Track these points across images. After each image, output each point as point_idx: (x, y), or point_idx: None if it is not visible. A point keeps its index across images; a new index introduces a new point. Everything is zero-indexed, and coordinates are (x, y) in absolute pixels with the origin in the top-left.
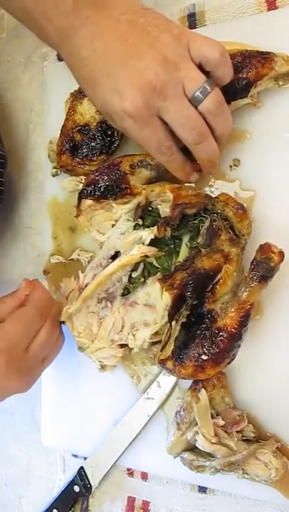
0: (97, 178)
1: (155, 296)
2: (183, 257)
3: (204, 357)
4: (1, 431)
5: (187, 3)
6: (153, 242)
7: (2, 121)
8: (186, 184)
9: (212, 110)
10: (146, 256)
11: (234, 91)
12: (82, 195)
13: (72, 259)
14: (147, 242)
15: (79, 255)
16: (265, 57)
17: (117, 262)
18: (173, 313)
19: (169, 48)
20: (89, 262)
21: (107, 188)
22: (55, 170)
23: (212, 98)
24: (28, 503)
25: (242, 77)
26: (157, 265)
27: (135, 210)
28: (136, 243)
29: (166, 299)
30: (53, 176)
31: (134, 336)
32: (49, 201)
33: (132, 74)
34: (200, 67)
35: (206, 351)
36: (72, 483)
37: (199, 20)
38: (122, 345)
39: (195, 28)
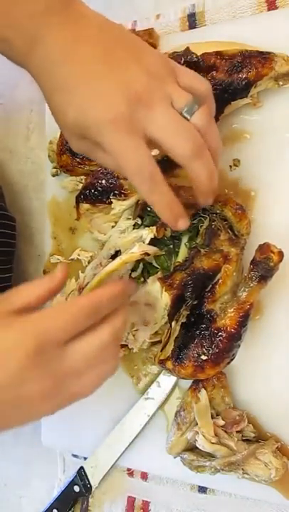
0: (92, 182)
1: (155, 295)
2: (182, 257)
3: (204, 357)
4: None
5: (187, 3)
6: (152, 242)
7: (2, 121)
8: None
9: (204, 125)
10: (147, 254)
11: (234, 91)
12: (79, 199)
13: (72, 259)
14: (147, 241)
15: (79, 255)
16: (265, 57)
17: (117, 260)
18: (173, 313)
19: (155, 66)
20: (89, 262)
21: (102, 193)
22: (55, 170)
23: (203, 112)
24: (28, 503)
25: (242, 77)
26: (156, 265)
27: (134, 208)
28: (136, 241)
29: (165, 298)
30: (53, 176)
31: (134, 336)
32: (49, 201)
33: (116, 82)
34: None
35: (205, 351)
36: (72, 483)
37: (199, 21)
38: (122, 346)
39: (195, 28)
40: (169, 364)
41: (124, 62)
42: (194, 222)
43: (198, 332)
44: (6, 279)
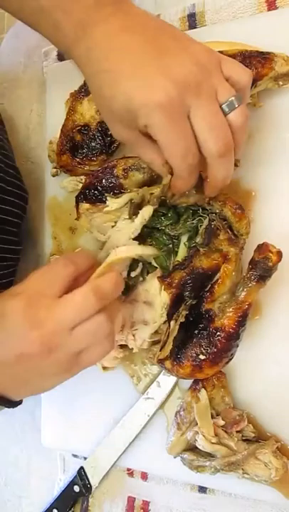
0: (92, 182)
1: (153, 293)
2: (181, 257)
3: (202, 357)
4: (1, 431)
5: (187, 3)
6: (151, 240)
7: (2, 121)
8: None
9: (239, 123)
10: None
11: None
12: (78, 199)
13: None
14: (139, 229)
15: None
16: (265, 57)
17: (104, 263)
18: (172, 312)
19: (203, 56)
20: None
21: (102, 193)
22: (55, 170)
23: (242, 111)
24: (28, 503)
25: None
26: (156, 265)
27: (129, 206)
28: (132, 234)
29: (164, 296)
30: (53, 176)
31: (133, 336)
32: (49, 201)
33: (165, 67)
34: None
35: (203, 351)
36: (72, 483)
37: (199, 21)
38: (122, 346)
39: (195, 28)
40: (168, 364)
41: (172, 49)
42: (194, 221)
43: (196, 332)
44: (15, 250)
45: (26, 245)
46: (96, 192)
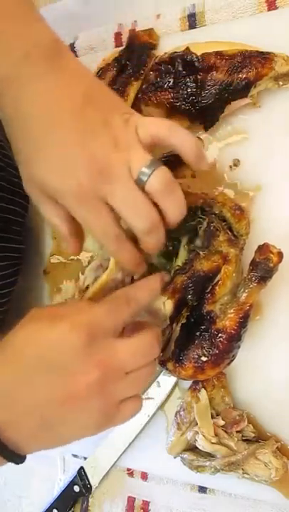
0: None
1: (157, 304)
2: (182, 260)
3: (204, 358)
4: None
5: (187, 3)
6: None
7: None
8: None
9: (159, 188)
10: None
11: (234, 91)
12: None
13: (72, 259)
14: None
15: (79, 255)
16: (265, 57)
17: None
18: (174, 315)
19: (120, 130)
20: (89, 263)
21: None
22: None
23: (158, 174)
24: (28, 503)
25: (242, 77)
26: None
27: None
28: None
29: (168, 306)
30: None
31: None
32: None
33: (82, 152)
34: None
35: (205, 352)
36: (72, 483)
37: (199, 21)
38: None
39: (195, 28)
40: (170, 365)
41: (91, 128)
42: (193, 223)
43: (198, 333)
44: (18, 247)
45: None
46: None
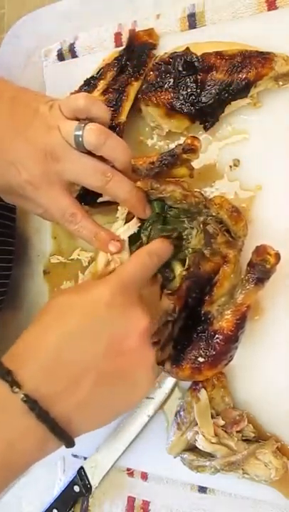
0: None
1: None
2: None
3: (201, 359)
4: None
5: (187, 3)
6: None
7: None
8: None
9: (94, 141)
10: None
11: (234, 91)
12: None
13: (72, 259)
14: (125, 237)
15: (79, 255)
16: (265, 57)
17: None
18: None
19: (47, 117)
20: (89, 263)
21: (99, 194)
22: None
23: (88, 130)
24: (28, 503)
25: (242, 77)
26: None
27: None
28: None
29: (164, 301)
30: None
31: None
32: None
33: (23, 144)
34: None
35: (202, 353)
36: (72, 483)
37: (199, 21)
38: None
39: (195, 28)
40: (168, 365)
41: (24, 122)
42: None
43: (195, 334)
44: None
45: (26, 245)
46: (94, 194)
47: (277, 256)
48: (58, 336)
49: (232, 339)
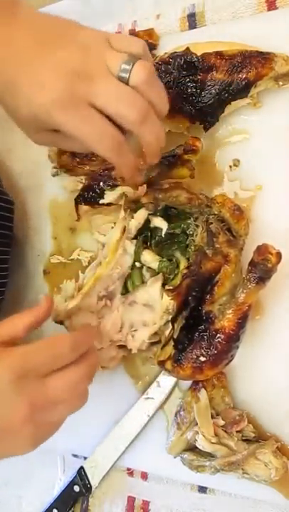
0: (90, 184)
1: (154, 296)
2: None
3: (202, 358)
4: None
5: (187, 3)
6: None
7: (2, 121)
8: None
9: (144, 79)
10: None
11: (234, 91)
12: (77, 201)
13: (72, 259)
14: (134, 232)
15: (79, 255)
16: (265, 57)
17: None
18: (176, 316)
19: (89, 39)
20: (89, 263)
21: (100, 195)
22: (55, 170)
23: (139, 67)
24: (28, 503)
25: (242, 77)
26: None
27: (123, 202)
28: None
29: (166, 300)
30: (53, 176)
31: (132, 337)
32: (49, 201)
33: (52, 64)
34: None
35: (203, 353)
36: (72, 483)
37: (199, 21)
38: (120, 346)
39: (195, 28)
40: (168, 365)
41: (57, 42)
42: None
43: (196, 334)
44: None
45: (26, 245)
46: (94, 194)
47: (279, 255)
48: None
49: (233, 338)
